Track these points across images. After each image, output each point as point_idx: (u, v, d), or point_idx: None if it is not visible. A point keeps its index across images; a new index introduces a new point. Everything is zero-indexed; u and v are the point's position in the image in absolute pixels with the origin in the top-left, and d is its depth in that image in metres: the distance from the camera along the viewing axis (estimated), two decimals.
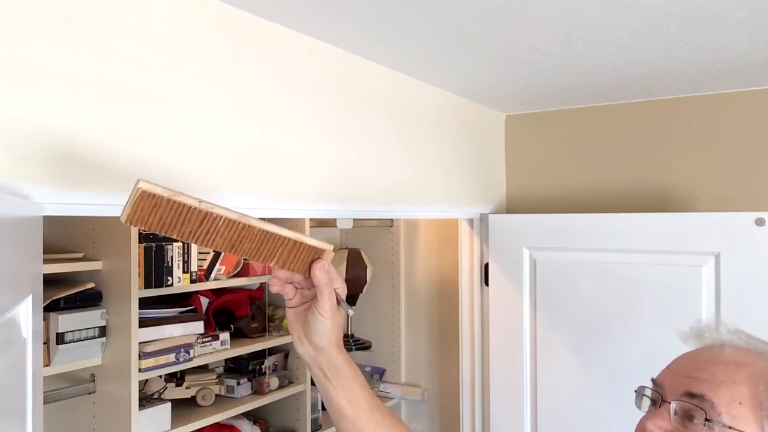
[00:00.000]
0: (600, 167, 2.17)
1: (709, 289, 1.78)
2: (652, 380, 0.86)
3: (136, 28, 1.06)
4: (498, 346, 2.14)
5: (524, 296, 2.08)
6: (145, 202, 0.73)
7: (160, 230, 0.76)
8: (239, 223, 0.79)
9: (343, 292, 0.90)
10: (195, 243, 0.79)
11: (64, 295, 1.97)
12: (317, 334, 0.88)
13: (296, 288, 0.91)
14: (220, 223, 0.78)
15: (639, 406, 0.87)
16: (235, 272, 2.52)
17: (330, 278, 0.87)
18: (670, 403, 0.80)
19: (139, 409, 2.06)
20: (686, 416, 0.78)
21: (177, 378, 2.46)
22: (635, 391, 0.88)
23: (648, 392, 0.86)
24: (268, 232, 0.81)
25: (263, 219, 0.82)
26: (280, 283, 0.89)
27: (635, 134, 2.11)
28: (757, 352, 0.83)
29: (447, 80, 1.83)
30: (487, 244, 2.17)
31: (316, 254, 0.86)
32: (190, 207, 0.75)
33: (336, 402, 0.92)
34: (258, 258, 0.83)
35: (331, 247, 0.87)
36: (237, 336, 2.59)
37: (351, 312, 0.92)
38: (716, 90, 1.95)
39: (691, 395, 0.79)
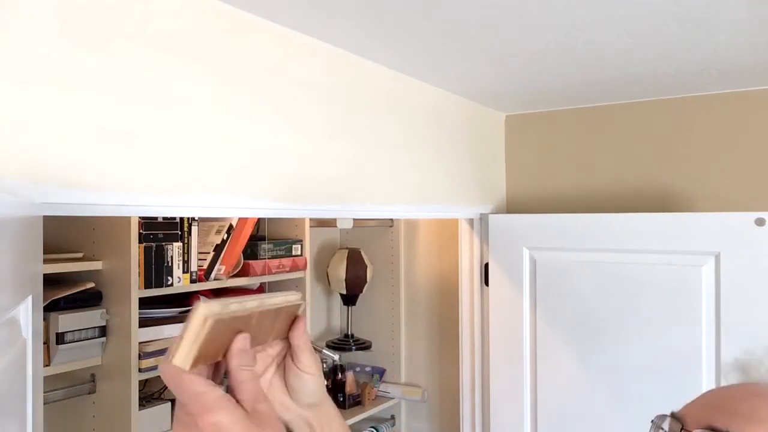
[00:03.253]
0: (600, 167, 2.17)
1: (709, 289, 1.78)
2: (672, 413, 0.77)
3: (136, 28, 1.06)
4: (498, 346, 2.13)
5: (524, 296, 2.08)
6: (213, 331, 0.58)
7: (215, 358, 0.61)
8: (270, 310, 0.67)
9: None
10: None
11: (64, 295, 1.96)
12: (308, 393, 0.76)
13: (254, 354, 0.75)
14: (253, 320, 0.65)
15: None
16: (235, 272, 2.52)
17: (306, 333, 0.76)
18: None
19: (139, 409, 2.06)
20: None
21: None
22: (652, 421, 0.79)
23: (666, 424, 0.76)
24: (278, 307, 0.69)
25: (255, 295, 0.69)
26: (253, 353, 0.70)
27: (635, 134, 2.11)
28: None
29: (447, 80, 1.83)
30: (487, 244, 2.17)
31: (295, 311, 0.74)
32: (241, 316, 0.62)
33: None
34: (265, 340, 0.71)
35: (300, 295, 0.76)
36: None
37: (336, 357, 0.83)
38: (716, 90, 1.95)
39: (712, 429, 0.69)
